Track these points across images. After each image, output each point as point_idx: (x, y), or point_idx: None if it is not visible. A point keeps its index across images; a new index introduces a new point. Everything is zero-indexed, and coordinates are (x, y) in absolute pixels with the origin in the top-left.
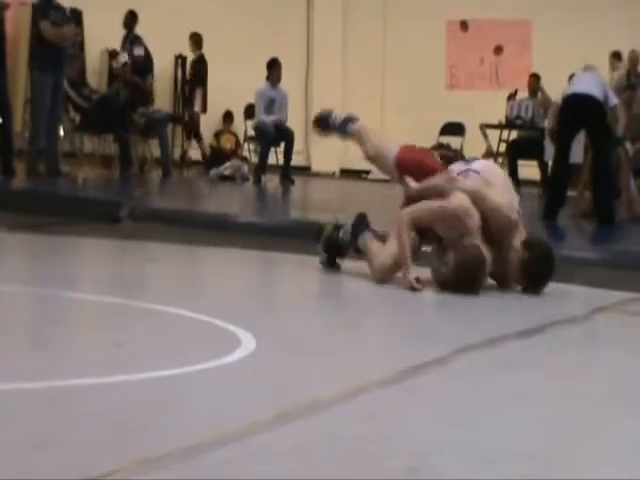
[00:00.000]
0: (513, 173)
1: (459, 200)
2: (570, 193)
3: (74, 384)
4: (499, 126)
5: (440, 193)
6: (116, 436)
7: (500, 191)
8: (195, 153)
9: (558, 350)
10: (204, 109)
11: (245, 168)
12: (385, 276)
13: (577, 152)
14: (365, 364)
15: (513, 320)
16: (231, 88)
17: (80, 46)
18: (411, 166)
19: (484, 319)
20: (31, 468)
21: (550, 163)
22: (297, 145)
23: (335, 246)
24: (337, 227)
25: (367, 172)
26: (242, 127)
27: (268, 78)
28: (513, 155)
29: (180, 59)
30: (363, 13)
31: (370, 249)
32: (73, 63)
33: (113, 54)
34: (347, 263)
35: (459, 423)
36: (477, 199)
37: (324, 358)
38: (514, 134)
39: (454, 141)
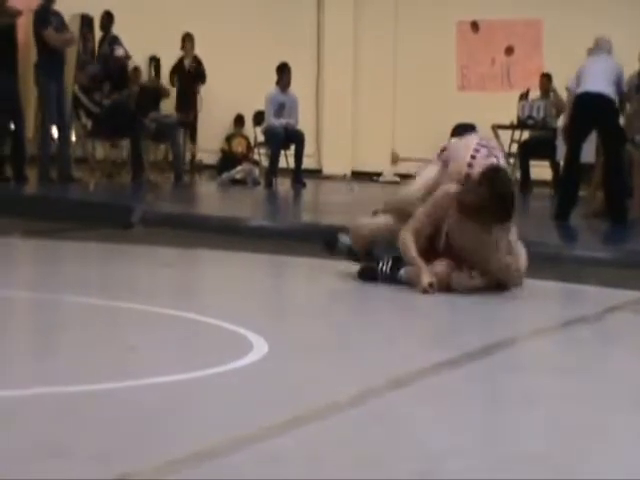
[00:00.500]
0: (525, 173)
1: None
2: (582, 193)
3: (87, 389)
4: (511, 127)
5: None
6: (129, 441)
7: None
8: (206, 157)
9: (571, 350)
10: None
11: (256, 172)
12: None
13: (589, 152)
14: (378, 367)
15: (525, 321)
16: (241, 92)
17: (92, 53)
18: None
19: (496, 321)
20: (44, 474)
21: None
22: (308, 148)
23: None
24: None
25: (378, 174)
26: (252, 133)
27: (278, 82)
28: (525, 155)
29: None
30: (374, 15)
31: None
32: (85, 69)
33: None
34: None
35: (473, 425)
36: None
37: (336, 361)
38: (526, 134)
39: None
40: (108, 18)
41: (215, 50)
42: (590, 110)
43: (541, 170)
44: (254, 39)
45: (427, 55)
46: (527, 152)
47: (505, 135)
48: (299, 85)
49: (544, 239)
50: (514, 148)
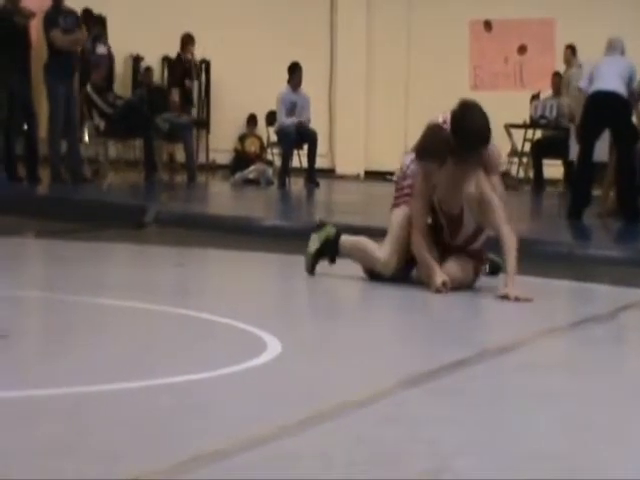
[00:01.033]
0: (538, 172)
1: None
2: (595, 192)
3: (101, 390)
4: (524, 126)
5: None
6: (143, 441)
7: None
8: (220, 157)
9: (584, 349)
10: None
11: (269, 171)
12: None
13: (602, 151)
14: (389, 366)
15: (537, 320)
16: (254, 93)
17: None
18: None
19: (509, 320)
20: (57, 473)
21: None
22: (321, 148)
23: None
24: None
25: (391, 173)
26: (264, 133)
27: (289, 82)
28: (538, 154)
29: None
30: (387, 14)
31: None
32: (98, 69)
33: (137, 60)
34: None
35: (483, 424)
36: None
37: (349, 361)
38: (538, 134)
39: None
40: (87, 15)
41: (228, 51)
42: (603, 108)
43: (554, 169)
44: (267, 39)
45: (440, 54)
46: (540, 151)
47: (518, 134)
48: (312, 85)
49: (557, 238)
50: (527, 147)
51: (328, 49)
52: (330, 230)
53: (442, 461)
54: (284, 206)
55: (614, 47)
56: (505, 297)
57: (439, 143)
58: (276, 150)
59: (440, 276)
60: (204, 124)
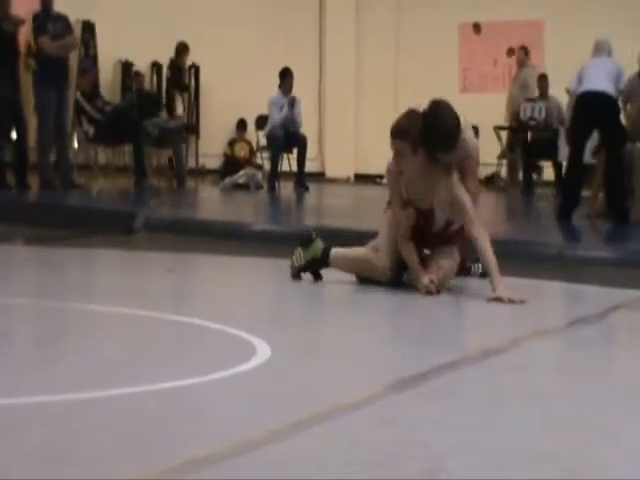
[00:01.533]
0: (528, 174)
1: None
2: (585, 193)
3: (91, 396)
4: (512, 127)
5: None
6: (134, 447)
7: None
8: (209, 162)
9: (574, 350)
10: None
11: (259, 176)
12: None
13: (587, 152)
14: (380, 369)
15: (527, 321)
16: (244, 97)
17: (93, 59)
18: None
19: (499, 321)
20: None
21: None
22: (311, 151)
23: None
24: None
25: (381, 177)
26: (254, 137)
27: (280, 87)
28: (527, 156)
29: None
30: (376, 18)
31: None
32: (86, 75)
33: (126, 65)
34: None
35: (475, 426)
36: None
37: (339, 364)
38: (528, 135)
39: None
40: None
41: (217, 55)
42: (592, 108)
43: (544, 170)
44: (256, 44)
45: (429, 57)
46: (529, 153)
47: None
48: (301, 88)
49: (547, 239)
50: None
51: (317, 53)
52: (317, 249)
53: (436, 462)
54: (274, 210)
55: (601, 48)
56: (498, 300)
57: (414, 125)
58: (266, 154)
59: (426, 275)
60: (194, 129)
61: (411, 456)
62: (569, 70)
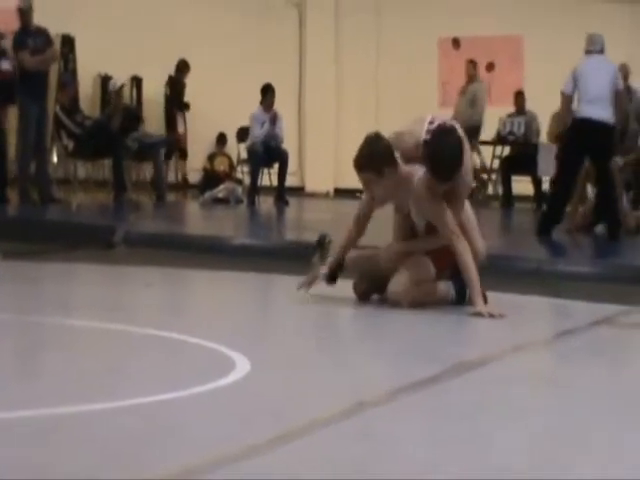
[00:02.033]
0: (507, 188)
1: None
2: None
3: (69, 411)
4: (492, 142)
5: None
6: (111, 461)
7: None
8: (190, 176)
9: (557, 364)
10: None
11: (239, 190)
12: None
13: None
14: (360, 384)
15: (510, 336)
16: (223, 111)
17: (72, 73)
18: None
19: (481, 334)
20: None
21: (543, 178)
22: (291, 166)
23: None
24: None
25: (361, 191)
26: (234, 151)
27: (262, 103)
28: (507, 171)
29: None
30: (355, 32)
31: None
32: (66, 90)
33: (106, 79)
34: (340, 283)
35: (456, 440)
36: None
37: (318, 379)
38: (507, 150)
39: None
40: None
41: (196, 70)
42: (590, 139)
43: (523, 185)
44: (235, 56)
45: (409, 71)
46: (509, 168)
47: (487, 151)
48: (281, 102)
49: (527, 254)
50: (496, 164)
51: (297, 66)
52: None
53: (414, 476)
54: (253, 225)
55: (594, 42)
56: (478, 314)
57: (376, 152)
58: (246, 168)
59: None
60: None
61: (391, 472)
62: (548, 84)
